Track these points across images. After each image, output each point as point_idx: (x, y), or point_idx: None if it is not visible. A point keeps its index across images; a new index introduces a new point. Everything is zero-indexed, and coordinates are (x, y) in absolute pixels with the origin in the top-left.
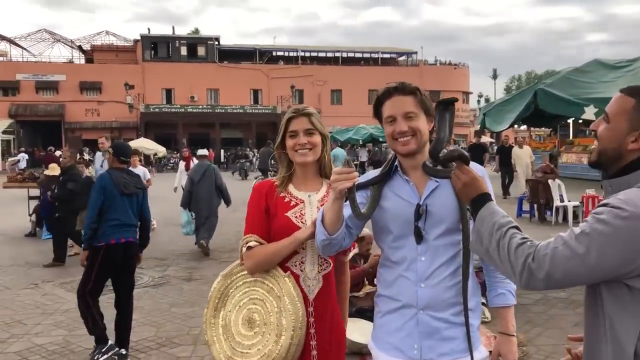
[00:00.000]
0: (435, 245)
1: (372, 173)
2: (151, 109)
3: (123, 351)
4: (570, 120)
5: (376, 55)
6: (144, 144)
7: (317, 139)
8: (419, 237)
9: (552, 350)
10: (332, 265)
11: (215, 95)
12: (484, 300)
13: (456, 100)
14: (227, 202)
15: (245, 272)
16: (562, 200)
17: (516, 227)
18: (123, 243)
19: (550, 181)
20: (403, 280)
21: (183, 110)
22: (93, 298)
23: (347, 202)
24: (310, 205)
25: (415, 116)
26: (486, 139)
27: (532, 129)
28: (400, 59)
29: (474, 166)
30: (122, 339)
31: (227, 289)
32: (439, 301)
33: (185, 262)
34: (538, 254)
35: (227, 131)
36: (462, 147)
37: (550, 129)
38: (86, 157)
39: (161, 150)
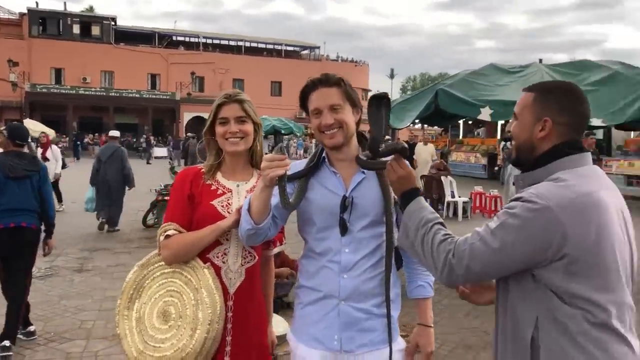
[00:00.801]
0: (359, 237)
1: (297, 163)
2: (38, 89)
3: (7, 343)
4: (460, 121)
5: (279, 47)
6: (30, 126)
7: (249, 127)
8: (344, 228)
9: (444, 339)
10: (257, 259)
11: (110, 78)
12: None
13: (386, 94)
14: (130, 185)
15: (163, 262)
16: (453, 196)
17: (441, 224)
18: (12, 228)
19: (443, 178)
20: (326, 271)
21: (74, 92)
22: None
23: (275, 190)
24: (239, 195)
25: (341, 108)
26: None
27: (425, 127)
28: (303, 52)
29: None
30: (10, 330)
31: (143, 280)
32: (360, 292)
33: (76, 252)
34: (457, 250)
35: (121, 116)
36: (398, 141)
37: (442, 129)
38: None
39: (50, 133)
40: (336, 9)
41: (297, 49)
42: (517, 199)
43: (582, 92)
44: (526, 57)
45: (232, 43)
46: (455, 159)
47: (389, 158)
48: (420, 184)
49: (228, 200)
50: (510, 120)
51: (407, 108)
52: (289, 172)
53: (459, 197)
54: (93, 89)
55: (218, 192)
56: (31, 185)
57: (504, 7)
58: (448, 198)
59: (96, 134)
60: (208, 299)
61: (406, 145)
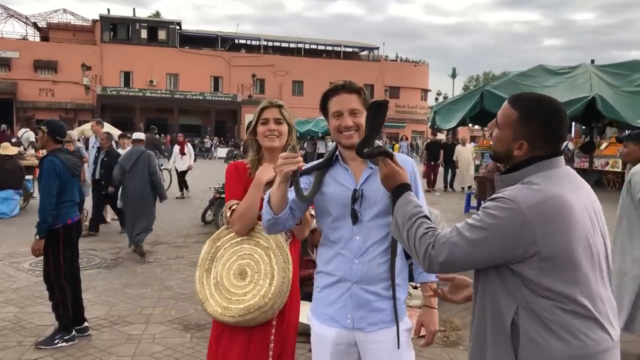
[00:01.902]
0: (369, 225)
1: (315, 162)
2: (108, 92)
3: (86, 324)
4: None
5: (338, 49)
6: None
7: (284, 128)
8: (355, 218)
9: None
10: (292, 238)
11: (175, 81)
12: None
13: (387, 102)
14: (161, 198)
15: (232, 234)
16: None
17: (425, 217)
18: (77, 221)
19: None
20: (340, 257)
21: (141, 94)
22: (67, 282)
23: (292, 186)
24: None
25: (359, 113)
26: (442, 136)
27: (485, 128)
28: (362, 53)
29: (403, 159)
30: (81, 314)
31: (217, 251)
32: (370, 276)
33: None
34: (437, 243)
35: (185, 117)
36: (416, 144)
37: None
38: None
39: (114, 133)
40: (397, 9)
41: (356, 50)
42: (492, 199)
43: (564, 113)
44: (596, 54)
45: (293, 45)
46: None
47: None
48: (474, 185)
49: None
50: (491, 122)
51: (454, 109)
52: (306, 167)
53: None
54: (159, 91)
55: None
56: (77, 180)
57: (574, 3)
58: None
59: (162, 135)
60: (278, 250)
61: (388, 150)
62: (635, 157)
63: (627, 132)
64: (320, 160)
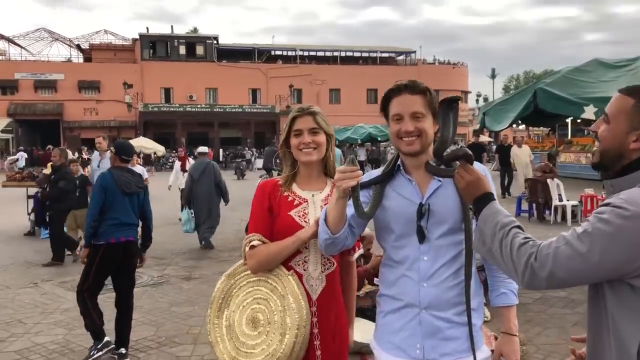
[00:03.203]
0: (437, 244)
1: (374, 172)
2: (150, 108)
3: (123, 350)
4: (568, 120)
5: (375, 55)
6: (143, 143)
7: (321, 138)
8: (422, 236)
9: (551, 350)
10: (335, 265)
11: (214, 95)
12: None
13: (460, 98)
14: (226, 200)
15: (249, 271)
16: (560, 200)
17: (519, 227)
18: (123, 242)
19: (549, 180)
20: (405, 280)
21: (182, 109)
22: (91, 296)
23: (350, 201)
24: (314, 204)
25: (423, 117)
26: (485, 138)
27: (530, 128)
28: (399, 58)
29: (476, 165)
30: (122, 337)
31: (231, 289)
32: (441, 301)
33: (184, 262)
34: (540, 254)
35: (225, 130)
36: (461, 146)
37: (549, 129)
38: (85, 156)
39: (160, 150)
40: (432, 12)
41: (392, 55)
42: (606, 204)
43: None
44: None
45: (328, 54)
46: (564, 160)
47: (456, 164)
48: (525, 188)
49: (304, 210)
50: (597, 121)
51: (505, 109)
52: (364, 179)
53: (568, 200)
54: (199, 106)
55: (295, 203)
56: (138, 201)
57: None
58: (555, 202)
59: (174, 150)
60: (295, 305)
61: (470, 152)
62: None
63: None
64: (379, 171)
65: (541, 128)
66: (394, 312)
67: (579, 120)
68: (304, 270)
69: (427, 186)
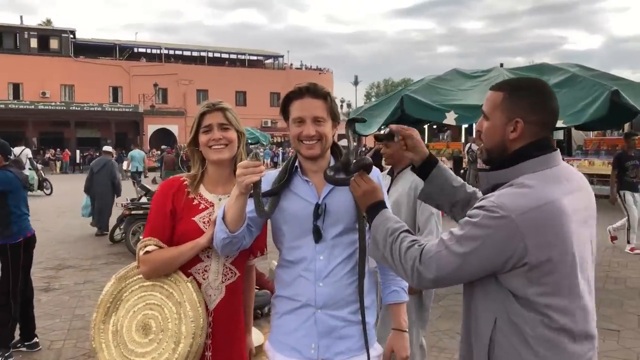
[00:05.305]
0: (332, 244)
1: (272, 173)
2: None
3: (36, 339)
4: (425, 126)
5: (243, 57)
6: None
7: (232, 134)
8: (318, 236)
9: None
10: (238, 275)
11: (71, 92)
12: None
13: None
14: (118, 193)
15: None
16: None
17: (407, 231)
18: (34, 234)
19: None
20: (302, 280)
21: (33, 107)
22: (20, 299)
23: (252, 198)
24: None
25: (324, 121)
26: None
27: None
28: (267, 61)
29: (373, 170)
30: (31, 330)
31: (121, 293)
32: (336, 300)
33: (41, 271)
34: (424, 257)
35: (83, 130)
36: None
37: None
38: None
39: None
40: (298, 18)
41: (260, 58)
42: (479, 207)
43: (550, 88)
44: (486, 61)
45: (195, 54)
46: None
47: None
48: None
49: (210, 215)
50: (479, 121)
51: (373, 114)
52: (263, 187)
53: None
54: (53, 104)
55: (200, 207)
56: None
57: (463, 13)
58: None
59: (57, 149)
60: (192, 313)
61: (371, 161)
62: None
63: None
64: (276, 172)
65: None
66: (289, 312)
67: (434, 126)
68: (204, 279)
69: (322, 187)
